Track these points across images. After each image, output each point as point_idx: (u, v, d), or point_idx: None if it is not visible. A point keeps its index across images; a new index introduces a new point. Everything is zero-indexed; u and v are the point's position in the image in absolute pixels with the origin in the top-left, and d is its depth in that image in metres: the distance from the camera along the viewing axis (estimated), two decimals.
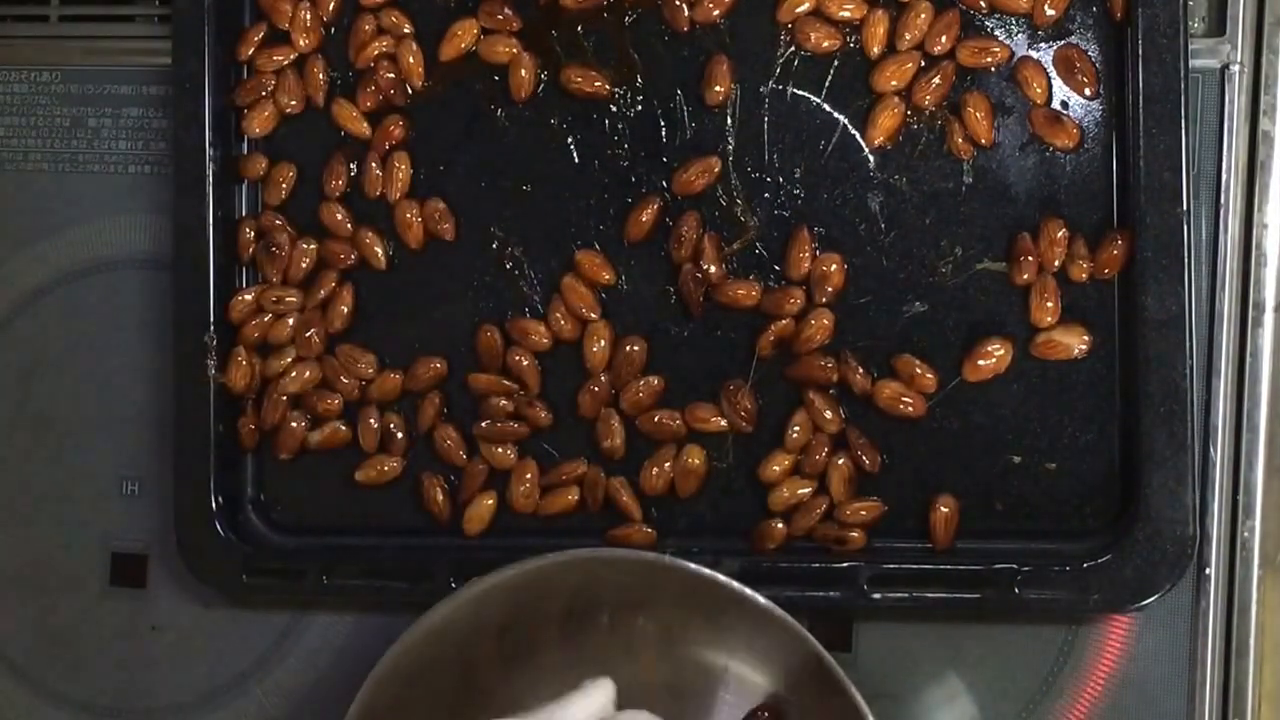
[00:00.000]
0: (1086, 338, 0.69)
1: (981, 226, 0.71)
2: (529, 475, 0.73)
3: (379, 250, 0.75)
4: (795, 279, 0.71)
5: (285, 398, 0.75)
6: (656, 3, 0.72)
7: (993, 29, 0.71)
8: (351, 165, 0.75)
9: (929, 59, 0.71)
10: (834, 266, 0.71)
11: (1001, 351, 0.70)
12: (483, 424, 0.73)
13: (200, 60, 0.74)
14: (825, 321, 0.71)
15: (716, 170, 0.72)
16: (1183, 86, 0.67)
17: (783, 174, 0.72)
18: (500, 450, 0.73)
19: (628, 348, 0.72)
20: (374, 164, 0.74)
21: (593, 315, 0.73)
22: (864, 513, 0.71)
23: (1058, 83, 0.70)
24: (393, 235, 0.75)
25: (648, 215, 0.72)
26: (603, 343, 0.72)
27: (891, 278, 0.71)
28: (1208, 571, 0.70)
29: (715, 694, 0.70)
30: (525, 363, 0.73)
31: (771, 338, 0.71)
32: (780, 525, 0.71)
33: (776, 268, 0.72)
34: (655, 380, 0.72)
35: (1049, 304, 0.69)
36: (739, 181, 0.72)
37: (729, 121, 0.72)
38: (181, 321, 0.75)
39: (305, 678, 0.77)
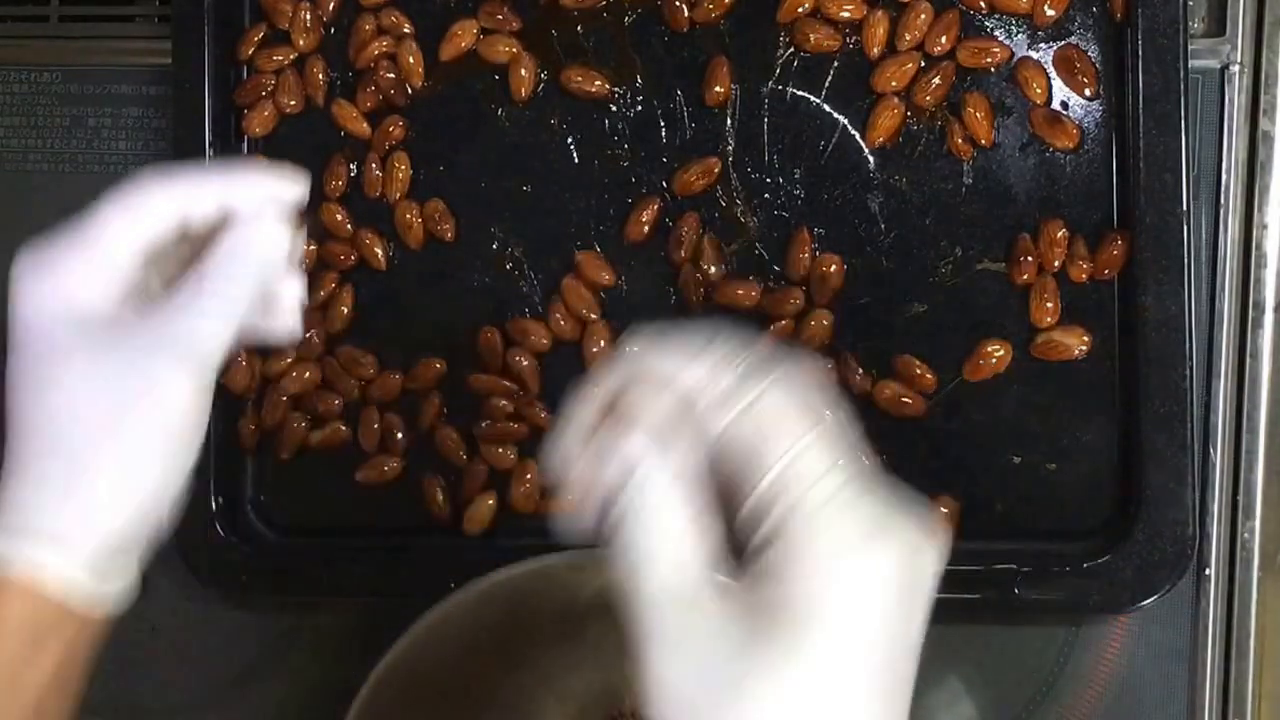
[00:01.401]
0: (1086, 338, 0.69)
1: (981, 227, 0.71)
2: (529, 476, 0.73)
3: (379, 251, 0.74)
4: (795, 279, 0.71)
5: (285, 398, 0.75)
6: (656, 3, 0.72)
7: (993, 29, 0.71)
8: (351, 166, 0.75)
9: (929, 59, 0.71)
10: (834, 267, 0.71)
11: (1002, 352, 0.70)
12: (483, 424, 0.73)
13: (200, 60, 0.74)
14: (825, 322, 0.71)
15: (716, 171, 0.72)
16: (1183, 87, 0.67)
17: (782, 175, 0.72)
18: (500, 451, 0.73)
19: (628, 348, 0.72)
20: (374, 164, 0.74)
21: (593, 316, 0.73)
22: None
23: (1058, 83, 0.70)
24: (393, 236, 0.75)
25: (648, 216, 0.72)
26: (603, 343, 0.72)
27: (891, 278, 0.71)
28: (1207, 572, 0.70)
29: None
30: (525, 363, 0.73)
31: (771, 339, 0.71)
32: None
33: (776, 268, 0.72)
34: None
35: (1049, 304, 0.69)
36: (739, 182, 0.72)
37: (729, 122, 0.72)
38: None
39: (305, 678, 0.77)
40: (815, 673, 0.42)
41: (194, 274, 0.51)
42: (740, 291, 0.71)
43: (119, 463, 0.49)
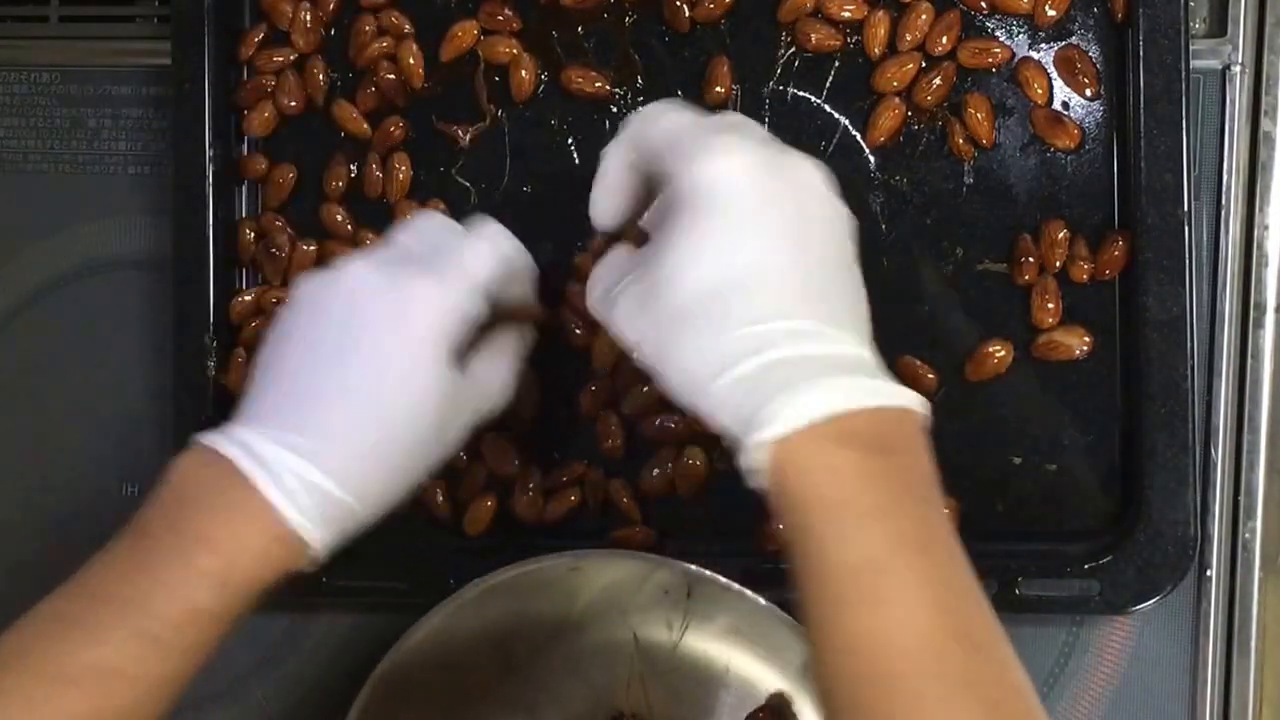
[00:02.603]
0: (1087, 339, 0.69)
1: (982, 227, 0.71)
2: (531, 484, 0.73)
3: None
4: None
5: None
6: (657, 3, 0.72)
7: (994, 30, 0.71)
8: (352, 166, 0.75)
9: (930, 59, 0.70)
10: None
11: (1002, 352, 0.70)
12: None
13: (200, 60, 0.74)
14: None
15: None
16: (1184, 87, 0.67)
17: None
18: (501, 453, 0.73)
19: None
20: (374, 164, 0.74)
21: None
22: None
23: (1059, 83, 0.70)
24: None
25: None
26: (605, 345, 0.72)
27: (892, 278, 0.71)
28: (1209, 573, 0.70)
29: (716, 695, 0.70)
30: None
31: None
32: (781, 526, 0.71)
33: None
34: None
35: (1050, 305, 0.69)
36: None
37: None
38: (181, 321, 0.74)
39: (305, 678, 0.76)
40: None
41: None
42: None
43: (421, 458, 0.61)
